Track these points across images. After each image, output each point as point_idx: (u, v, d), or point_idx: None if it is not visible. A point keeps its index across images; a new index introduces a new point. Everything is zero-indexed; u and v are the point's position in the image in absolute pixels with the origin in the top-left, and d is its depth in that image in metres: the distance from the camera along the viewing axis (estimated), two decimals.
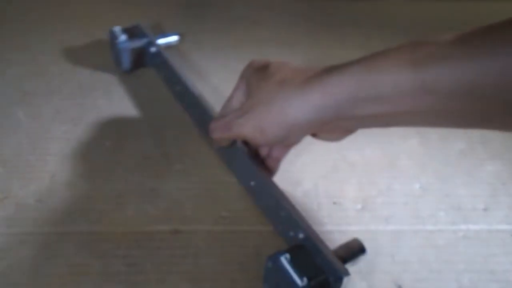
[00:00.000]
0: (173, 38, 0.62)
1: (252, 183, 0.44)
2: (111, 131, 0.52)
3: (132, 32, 0.58)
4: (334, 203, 0.46)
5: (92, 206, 0.45)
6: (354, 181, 0.48)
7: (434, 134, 0.53)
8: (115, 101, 0.56)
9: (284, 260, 0.34)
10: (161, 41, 0.60)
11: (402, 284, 0.40)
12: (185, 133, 0.52)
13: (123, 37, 0.56)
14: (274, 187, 0.41)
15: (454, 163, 0.50)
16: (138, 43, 0.57)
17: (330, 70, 0.34)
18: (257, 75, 0.40)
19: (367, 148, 0.51)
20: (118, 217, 0.44)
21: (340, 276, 0.34)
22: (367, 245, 0.42)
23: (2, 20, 0.69)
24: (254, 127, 0.37)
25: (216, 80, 0.59)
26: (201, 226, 0.43)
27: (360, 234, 0.43)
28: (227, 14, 0.72)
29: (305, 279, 0.33)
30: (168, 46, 0.61)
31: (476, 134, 0.53)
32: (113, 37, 0.57)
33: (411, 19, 0.72)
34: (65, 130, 0.52)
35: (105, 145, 0.51)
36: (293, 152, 0.50)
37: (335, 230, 0.43)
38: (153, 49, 0.58)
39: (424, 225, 0.44)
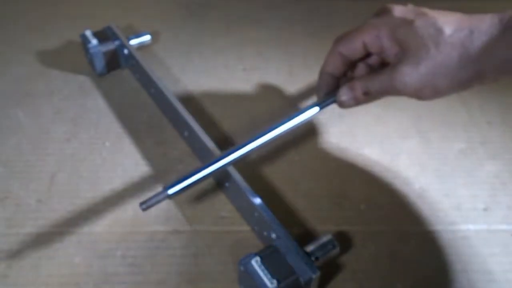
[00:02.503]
0: (146, 38, 0.60)
1: (227, 184, 0.44)
2: (111, 131, 0.52)
3: (104, 35, 0.57)
4: (334, 203, 0.46)
5: (92, 206, 0.45)
6: (354, 181, 0.48)
7: (434, 133, 0.53)
8: (116, 100, 0.56)
9: (255, 263, 0.35)
10: (133, 42, 0.59)
11: (402, 284, 0.40)
12: None
13: (94, 42, 0.55)
14: (247, 189, 0.41)
15: (454, 163, 0.50)
16: (109, 46, 0.57)
17: None
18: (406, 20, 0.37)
19: (367, 148, 0.51)
20: (118, 217, 0.44)
21: (310, 275, 0.35)
22: (367, 245, 0.42)
23: (2, 20, 0.69)
24: (422, 78, 0.35)
25: (216, 80, 0.59)
26: (201, 226, 0.43)
27: (361, 234, 0.43)
28: (227, 14, 0.72)
29: (275, 281, 0.34)
30: (141, 46, 0.60)
31: (476, 134, 0.53)
32: (85, 41, 0.56)
33: None
34: (65, 130, 0.52)
35: (105, 145, 0.51)
36: (292, 152, 0.50)
37: (335, 230, 0.43)
38: (125, 51, 0.57)
39: (424, 225, 0.44)
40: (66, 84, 0.58)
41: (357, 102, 0.41)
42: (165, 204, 0.45)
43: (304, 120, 0.41)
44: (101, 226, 0.43)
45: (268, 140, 0.40)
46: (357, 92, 0.40)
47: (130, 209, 0.45)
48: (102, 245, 0.42)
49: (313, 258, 0.37)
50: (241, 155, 0.39)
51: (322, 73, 0.43)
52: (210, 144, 0.44)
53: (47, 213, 0.44)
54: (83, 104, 0.55)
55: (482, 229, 0.44)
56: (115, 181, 0.47)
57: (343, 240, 0.42)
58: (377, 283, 0.40)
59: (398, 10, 0.38)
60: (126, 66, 0.60)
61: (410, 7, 0.38)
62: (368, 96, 0.40)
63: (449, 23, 0.35)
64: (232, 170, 0.42)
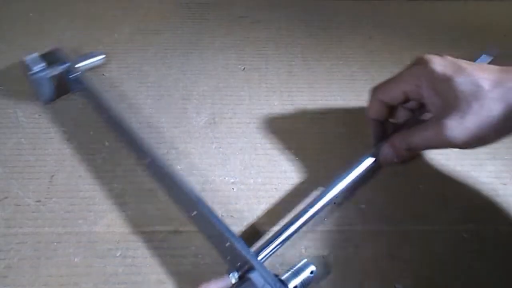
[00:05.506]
0: (98, 58, 0.56)
1: (194, 213, 0.42)
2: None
3: (51, 58, 0.53)
4: (334, 203, 0.46)
5: (92, 206, 0.45)
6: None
7: None
8: (115, 100, 0.56)
9: None
10: (84, 64, 0.55)
11: (402, 284, 0.40)
12: (185, 133, 0.52)
13: (39, 67, 0.51)
14: (215, 218, 0.39)
15: (454, 163, 0.50)
16: (56, 70, 0.52)
17: None
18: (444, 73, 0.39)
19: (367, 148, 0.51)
20: (118, 217, 0.44)
21: None
22: (367, 245, 0.42)
23: (2, 20, 0.69)
24: (469, 132, 0.37)
25: (216, 80, 0.59)
26: None
27: (360, 234, 0.43)
28: (227, 14, 0.72)
29: None
30: (93, 67, 0.57)
31: None
32: (28, 67, 0.51)
33: (411, 19, 0.72)
34: (65, 130, 0.52)
35: (105, 145, 0.50)
36: (292, 152, 0.50)
37: (335, 230, 0.43)
38: (73, 75, 0.53)
39: (424, 225, 0.44)
40: None
41: (400, 158, 0.43)
42: (165, 204, 0.45)
43: (363, 171, 0.43)
44: (101, 226, 0.43)
45: (334, 196, 0.42)
46: (398, 149, 0.43)
47: (130, 209, 0.44)
48: (102, 245, 0.41)
49: (291, 287, 0.36)
50: (312, 215, 0.41)
51: (368, 121, 0.46)
52: (170, 170, 0.42)
53: (46, 213, 0.44)
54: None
55: (482, 229, 0.44)
56: (115, 181, 0.47)
57: (343, 240, 0.42)
58: (377, 283, 0.40)
59: (437, 63, 0.40)
60: (76, 91, 0.55)
61: (448, 59, 0.40)
62: (411, 151, 0.43)
63: (486, 79, 0.37)
64: (197, 199, 0.40)
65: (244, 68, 0.61)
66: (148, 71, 0.61)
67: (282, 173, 0.48)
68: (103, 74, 0.60)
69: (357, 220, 0.44)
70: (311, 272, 0.37)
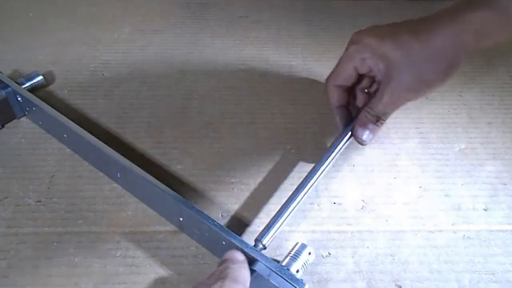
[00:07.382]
0: (38, 79, 0.55)
1: (181, 219, 0.41)
2: (110, 130, 0.52)
3: None
4: (334, 203, 0.46)
5: (92, 206, 0.45)
6: (354, 181, 0.48)
7: (434, 134, 0.53)
8: (115, 100, 0.56)
9: None
10: (26, 86, 0.53)
11: (402, 284, 0.40)
12: (185, 133, 0.52)
13: None
14: (207, 218, 0.38)
15: (454, 163, 0.50)
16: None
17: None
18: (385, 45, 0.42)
19: (367, 148, 0.51)
20: (118, 217, 0.44)
21: None
22: (367, 245, 0.42)
23: (2, 20, 0.69)
24: (414, 82, 0.41)
25: (216, 80, 0.59)
26: None
27: (360, 234, 0.43)
28: (227, 14, 0.72)
29: None
30: (34, 88, 0.55)
31: (476, 134, 0.53)
32: None
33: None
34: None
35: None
36: (292, 152, 0.50)
37: (335, 230, 0.43)
38: (19, 98, 0.50)
39: (424, 225, 0.44)
40: (65, 83, 0.58)
41: (374, 132, 0.46)
42: None
43: (341, 151, 0.46)
44: (101, 226, 0.43)
45: (319, 176, 0.43)
46: (369, 125, 0.45)
47: (130, 209, 0.44)
48: (102, 245, 0.41)
49: (294, 271, 0.36)
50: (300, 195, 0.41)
51: (333, 109, 0.48)
52: (149, 178, 0.41)
53: (46, 213, 0.44)
54: (82, 104, 0.55)
55: (482, 229, 0.44)
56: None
57: (343, 240, 0.42)
58: (377, 283, 0.40)
59: (369, 34, 0.44)
60: (23, 114, 0.53)
61: (374, 29, 0.44)
62: (380, 121, 0.45)
63: (412, 31, 0.41)
64: (183, 202, 0.39)
65: (244, 68, 0.61)
66: (148, 71, 0.61)
67: (282, 173, 0.48)
68: (103, 74, 0.60)
69: (356, 220, 0.44)
70: (309, 253, 0.37)
